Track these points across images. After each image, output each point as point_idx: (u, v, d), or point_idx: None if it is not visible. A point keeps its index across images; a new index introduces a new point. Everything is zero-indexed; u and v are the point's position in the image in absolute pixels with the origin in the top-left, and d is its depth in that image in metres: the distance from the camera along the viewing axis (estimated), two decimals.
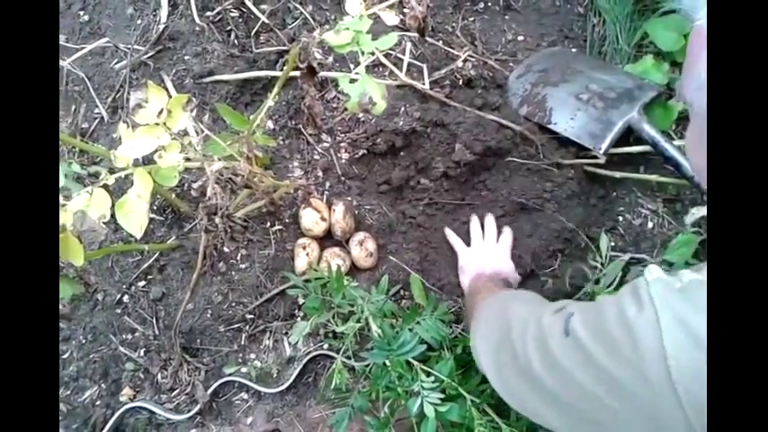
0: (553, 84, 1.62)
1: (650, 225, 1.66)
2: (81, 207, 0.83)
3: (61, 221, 0.82)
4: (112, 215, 1.43)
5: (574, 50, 1.78)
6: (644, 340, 0.60)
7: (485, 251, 1.47)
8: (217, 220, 0.88)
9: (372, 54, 0.84)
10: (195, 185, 0.89)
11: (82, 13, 1.68)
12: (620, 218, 1.66)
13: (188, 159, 0.88)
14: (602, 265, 1.54)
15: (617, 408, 0.63)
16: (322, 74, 1.55)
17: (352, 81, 0.83)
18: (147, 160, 0.90)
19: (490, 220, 1.54)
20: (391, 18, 0.84)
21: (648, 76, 1.67)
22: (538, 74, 1.66)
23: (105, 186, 0.84)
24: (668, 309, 0.60)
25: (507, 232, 1.52)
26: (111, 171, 0.87)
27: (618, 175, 1.58)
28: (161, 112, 0.87)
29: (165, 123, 0.88)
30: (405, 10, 0.84)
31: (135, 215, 0.84)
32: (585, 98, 1.56)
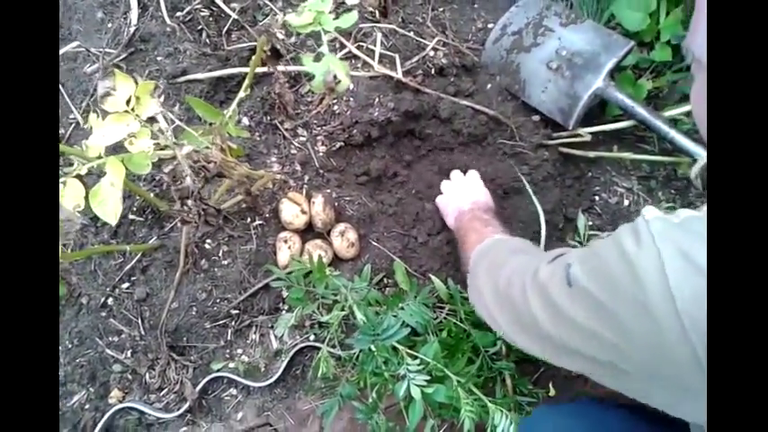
0: (525, 49, 1.63)
1: (626, 203, 1.69)
2: None
3: None
4: (94, 217, 1.43)
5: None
6: (647, 275, 0.60)
7: (456, 188, 1.52)
8: (189, 203, 0.89)
9: (332, 33, 0.85)
10: (167, 170, 0.90)
11: None
12: (597, 197, 1.69)
13: (159, 147, 0.89)
14: (580, 244, 1.57)
15: (625, 347, 0.64)
16: (291, 68, 1.56)
17: (316, 59, 0.85)
18: (118, 150, 0.90)
19: (454, 171, 1.59)
20: None
21: None
22: (512, 37, 1.66)
23: (79, 177, 0.85)
24: (668, 241, 0.60)
25: (472, 172, 1.57)
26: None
27: (592, 154, 1.60)
28: (129, 99, 0.88)
29: (133, 110, 0.89)
30: None
31: (109, 203, 0.85)
32: (554, 66, 1.57)
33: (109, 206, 0.88)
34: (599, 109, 1.72)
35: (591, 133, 1.59)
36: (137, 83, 0.91)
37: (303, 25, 0.88)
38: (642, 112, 1.48)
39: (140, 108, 0.92)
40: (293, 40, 1.60)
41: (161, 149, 0.95)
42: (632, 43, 1.55)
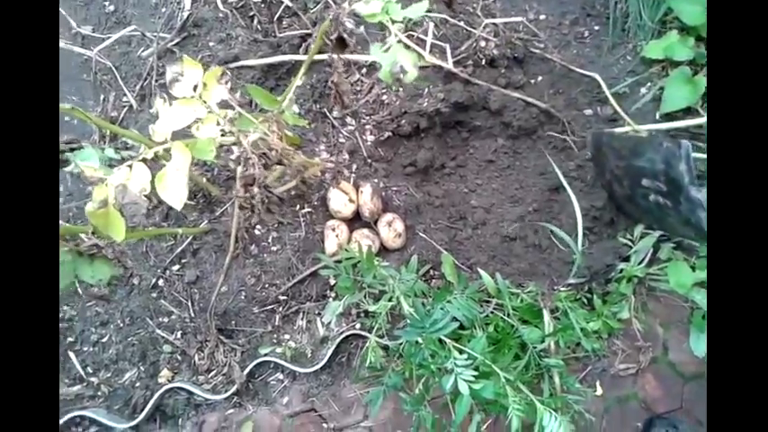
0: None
1: None
2: (122, 181, 0.85)
3: (103, 196, 0.84)
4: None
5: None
6: None
7: None
8: (255, 189, 0.90)
9: (402, 23, 0.84)
10: (233, 157, 0.90)
11: (107, 3, 1.70)
12: (651, 197, 1.65)
13: (224, 133, 0.90)
14: (631, 242, 1.54)
15: None
16: (347, 56, 1.55)
17: (385, 50, 0.85)
18: (180, 135, 0.92)
19: None
20: None
21: (674, 52, 1.65)
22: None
23: (144, 161, 0.86)
24: None
25: None
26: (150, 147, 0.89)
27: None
28: (196, 85, 0.89)
29: (200, 96, 0.90)
30: None
31: (175, 188, 0.86)
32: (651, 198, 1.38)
33: (175, 191, 0.89)
34: (653, 104, 1.68)
35: (646, 130, 1.55)
36: (205, 69, 0.92)
37: (371, 14, 0.88)
38: None
39: (207, 94, 0.92)
40: (361, 29, 1.59)
41: (223, 136, 0.96)
42: (686, 145, 1.22)
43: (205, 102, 0.91)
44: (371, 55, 0.90)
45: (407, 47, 0.85)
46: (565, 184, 1.52)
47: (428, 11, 1.67)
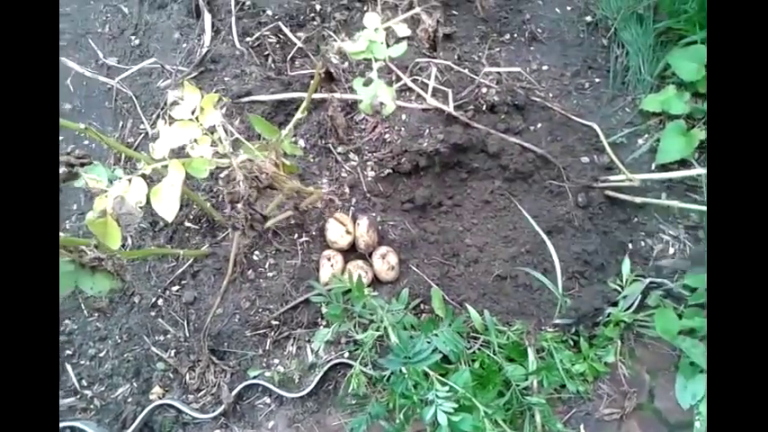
0: None
1: (671, 251, 1.68)
2: (120, 193, 0.92)
3: (103, 206, 0.91)
4: (153, 221, 1.52)
5: None
6: None
7: None
8: (239, 206, 0.96)
9: (384, 61, 0.91)
10: (222, 175, 0.97)
11: (133, 37, 1.82)
12: (642, 243, 1.68)
13: (218, 155, 0.97)
14: (621, 287, 1.57)
15: None
16: (347, 96, 1.64)
17: (366, 84, 0.92)
18: (180, 156, 0.99)
19: None
20: (403, 30, 0.92)
21: (670, 106, 1.71)
22: None
23: (143, 176, 0.93)
24: None
25: None
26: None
27: (638, 200, 1.60)
28: (195, 109, 0.97)
29: (197, 119, 0.97)
30: (413, 24, 0.92)
31: (168, 201, 0.92)
32: None
33: (167, 204, 0.96)
34: (649, 155, 1.73)
35: (640, 180, 1.60)
36: (203, 95, 1.00)
37: (357, 52, 0.95)
38: None
39: (204, 117, 1.00)
40: (348, 66, 1.68)
41: (219, 158, 1.03)
42: None
43: (201, 124, 0.99)
44: (354, 88, 0.98)
45: (389, 84, 0.91)
46: (542, 234, 1.55)
47: (432, 57, 1.77)
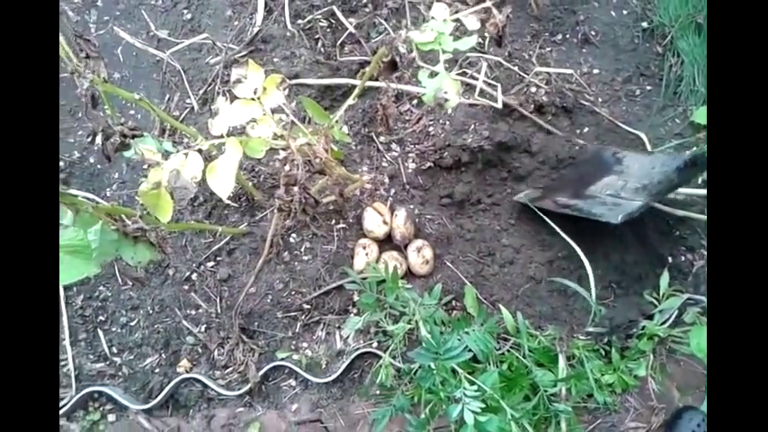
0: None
1: None
2: (177, 166, 0.92)
3: (158, 178, 0.92)
4: (194, 197, 1.53)
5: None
6: None
7: None
8: (295, 189, 0.96)
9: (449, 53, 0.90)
10: (280, 156, 0.97)
11: (185, 11, 1.82)
12: (682, 257, 1.65)
13: (275, 137, 0.97)
14: (657, 301, 1.54)
15: None
16: (399, 86, 1.62)
17: (432, 76, 0.90)
18: (236, 135, 0.99)
19: None
20: (473, 23, 0.91)
21: None
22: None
23: (199, 151, 0.94)
24: None
25: None
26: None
27: (680, 213, 1.57)
28: (257, 89, 0.96)
29: (259, 99, 0.97)
30: (483, 17, 0.90)
31: (223, 179, 0.92)
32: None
33: (223, 182, 0.96)
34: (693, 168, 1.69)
35: (685, 194, 1.56)
36: (266, 75, 0.99)
37: (425, 43, 0.94)
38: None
39: (266, 97, 1.00)
40: (413, 54, 1.67)
41: (274, 139, 1.03)
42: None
43: (262, 104, 0.98)
44: (420, 80, 0.96)
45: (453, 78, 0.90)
46: (572, 243, 1.50)
47: (483, 52, 1.74)
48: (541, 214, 1.53)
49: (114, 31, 1.79)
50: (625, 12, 1.89)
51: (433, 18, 0.90)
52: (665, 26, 1.83)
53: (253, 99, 0.97)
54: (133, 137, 1.11)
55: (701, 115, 1.72)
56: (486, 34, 0.96)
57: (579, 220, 1.45)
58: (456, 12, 0.92)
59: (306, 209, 1.00)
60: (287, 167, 0.96)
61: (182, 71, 1.75)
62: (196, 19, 1.81)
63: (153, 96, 1.75)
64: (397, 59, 0.94)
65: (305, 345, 1.53)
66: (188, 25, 1.80)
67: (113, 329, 1.58)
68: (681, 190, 1.56)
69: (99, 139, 1.09)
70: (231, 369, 1.52)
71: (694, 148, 1.40)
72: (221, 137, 0.96)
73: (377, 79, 1.29)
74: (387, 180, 1.64)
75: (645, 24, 1.86)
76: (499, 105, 1.59)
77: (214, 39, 1.74)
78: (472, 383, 1.30)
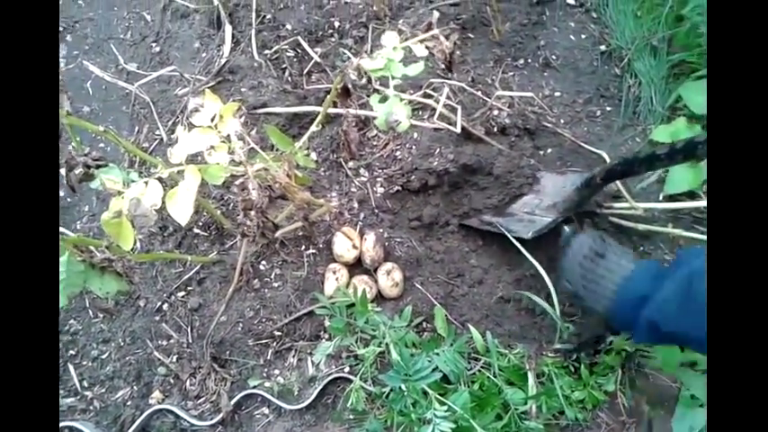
0: None
1: None
2: (136, 195, 0.94)
3: (118, 207, 0.93)
4: (162, 226, 1.54)
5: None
6: None
7: None
8: (252, 213, 0.98)
9: (400, 79, 0.93)
10: (237, 182, 0.99)
11: (154, 44, 1.85)
12: None
13: (234, 163, 0.99)
14: None
15: None
16: (361, 112, 1.66)
17: (382, 101, 0.94)
18: (197, 162, 1.01)
19: None
20: (420, 50, 0.95)
21: (679, 138, 1.72)
22: None
23: (159, 179, 0.96)
24: None
25: None
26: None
27: (641, 227, 1.61)
28: (214, 116, 0.99)
29: (216, 126, 1.00)
30: (430, 44, 0.94)
31: (183, 205, 0.94)
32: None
33: (181, 207, 0.97)
34: (657, 186, 1.74)
35: (645, 209, 1.60)
36: (223, 103, 1.02)
37: (375, 69, 0.97)
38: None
39: (222, 125, 1.02)
40: (364, 83, 1.71)
41: (234, 166, 1.05)
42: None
43: (219, 132, 1.01)
44: (372, 104, 1.00)
45: (402, 101, 0.93)
46: (533, 261, 1.52)
47: (446, 78, 1.79)
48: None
49: (84, 65, 1.81)
50: (584, 36, 1.95)
51: (383, 46, 0.94)
52: (622, 49, 1.90)
53: (210, 127, 0.99)
54: (97, 167, 1.13)
55: (659, 134, 1.78)
56: (437, 60, 0.99)
57: (539, 238, 1.48)
58: (406, 39, 0.96)
59: (265, 233, 1.02)
60: (244, 192, 0.98)
61: (151, 103, 1.77)
62: (164, 52, 1.84)
63: (123, 128, 1.76)
64: (350, 86, 0.97)
65: (277, 372, 1.53)
66: (156, 58, 1.83)
67: (84, 363, 1.57)
68: (640, 204, 1.60)
69: (63, 171, 1.10)
70: (204, 399, 1.51)
71: (596, 168, 1.46)
72: (181, 164, 0.98)
73: (337, 106, 1.32)
74: (356, 204, 1.67)
75: (603, 48, 1.92)
76: (458, 129, 1.63)
77: (182, 71, 1.77)
78: (443, 404, 1.31)
